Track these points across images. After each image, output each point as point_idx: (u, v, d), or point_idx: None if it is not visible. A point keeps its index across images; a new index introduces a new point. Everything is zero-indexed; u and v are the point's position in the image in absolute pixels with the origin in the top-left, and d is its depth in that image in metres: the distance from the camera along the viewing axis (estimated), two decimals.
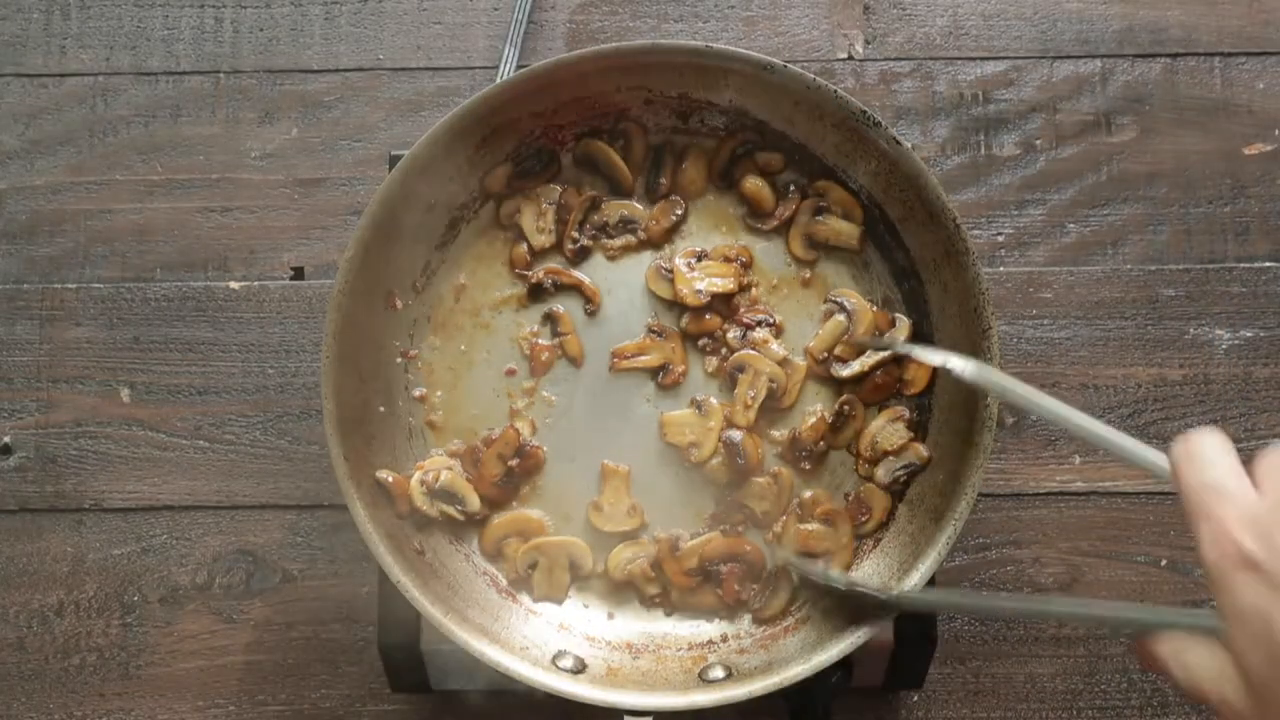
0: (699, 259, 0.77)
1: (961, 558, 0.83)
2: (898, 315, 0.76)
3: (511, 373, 0.77)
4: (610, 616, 0.76)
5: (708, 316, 0.77)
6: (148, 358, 0.85)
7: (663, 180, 0.78)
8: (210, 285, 0.86)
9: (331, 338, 0.71)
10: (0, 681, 0.82)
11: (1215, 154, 0.88)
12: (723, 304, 0.77)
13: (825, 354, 0.76)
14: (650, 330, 0.77)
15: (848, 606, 0.70)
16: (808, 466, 0.76)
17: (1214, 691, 0.46)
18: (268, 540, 0.84)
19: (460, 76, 0.89)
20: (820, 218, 0.77)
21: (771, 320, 0.77)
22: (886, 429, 0.75)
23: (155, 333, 0.86)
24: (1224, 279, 0.86)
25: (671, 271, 0.76)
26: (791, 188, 0.78)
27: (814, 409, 0.76)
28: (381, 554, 0.70)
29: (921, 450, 0.74)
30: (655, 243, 0.78)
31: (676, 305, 0.77)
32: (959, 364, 0.65)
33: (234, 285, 0.86)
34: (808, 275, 0.78)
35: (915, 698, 0.82)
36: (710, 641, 0.75)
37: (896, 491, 0.75)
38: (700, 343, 0.77)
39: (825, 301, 0.77)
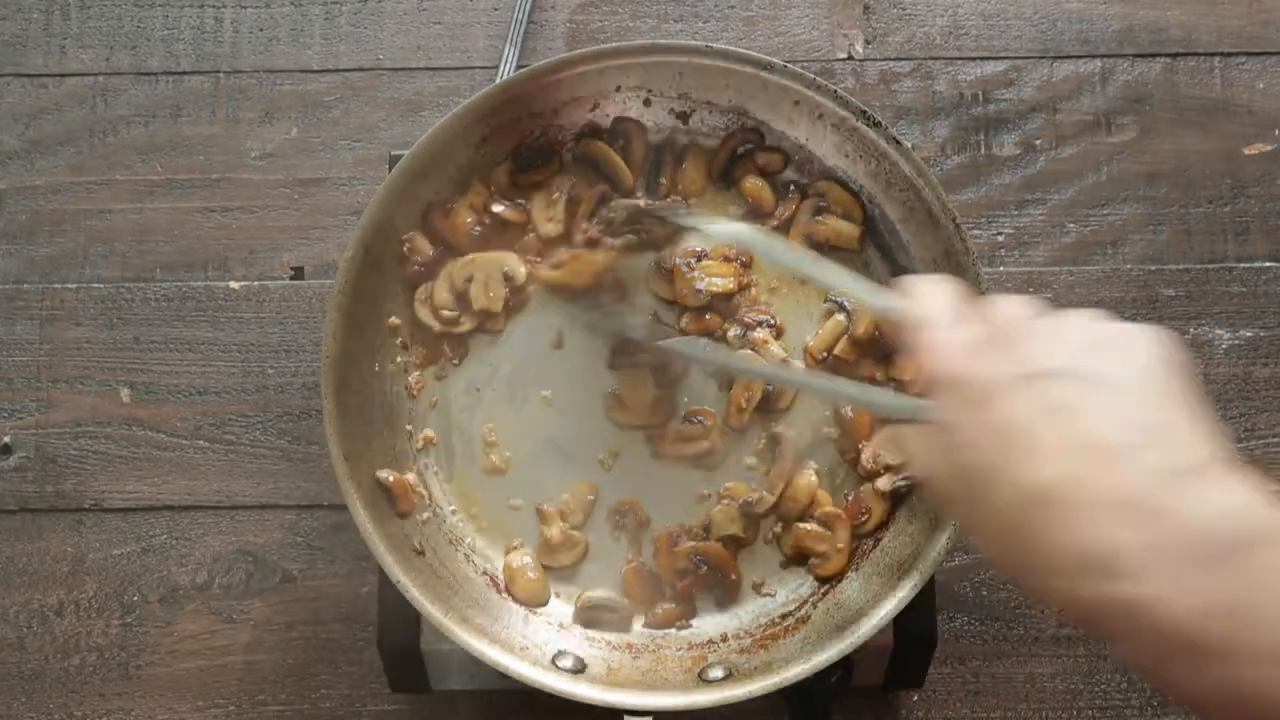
0: (699, 259, 0.77)
1: (961, 558, 0.83)
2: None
3: None
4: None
5: (707, 316, 0.77)
6: (148, 358, 0.85)
7: (663, 180, 0.78)
8: (210, 285, 0.86)
9: (331, 338, 0.71)
10: (0, 681, 0.82)
11: (1215, 154, 0.88)
12: (723, 304, 0.77)
13: (825, 354, 0.76)
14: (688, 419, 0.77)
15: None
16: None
17: (930, 477, 0.51)
18: (268, 540, 0.84)
19: (460, 76, 0.89)
20: (820, 218, 0.77)
21: (772, 321, 0.77)
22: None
23: (155, 333, 0.86)
24: (1224, 279, 0.86)
25: (671, 271, 0.76)
26: (791, 188, 0.78)
27: (810, 467, 0.76)
28: (381, 554, 0.70)
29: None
30: (657, 243, 0.77)
31: (676, 305, 0.77)
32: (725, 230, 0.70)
33: (234, 285, 0.86)
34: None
35: (915, 698, 0.82)
36: (710, 641, 0.75)
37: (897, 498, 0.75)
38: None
39: (825, 301, 0.77)
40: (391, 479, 0.74)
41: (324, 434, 0.71)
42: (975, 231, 0.87)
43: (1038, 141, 0.88)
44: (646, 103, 0.76)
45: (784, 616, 0.75)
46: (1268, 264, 0.86)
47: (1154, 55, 0.89)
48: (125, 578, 0.83)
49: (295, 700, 0.82)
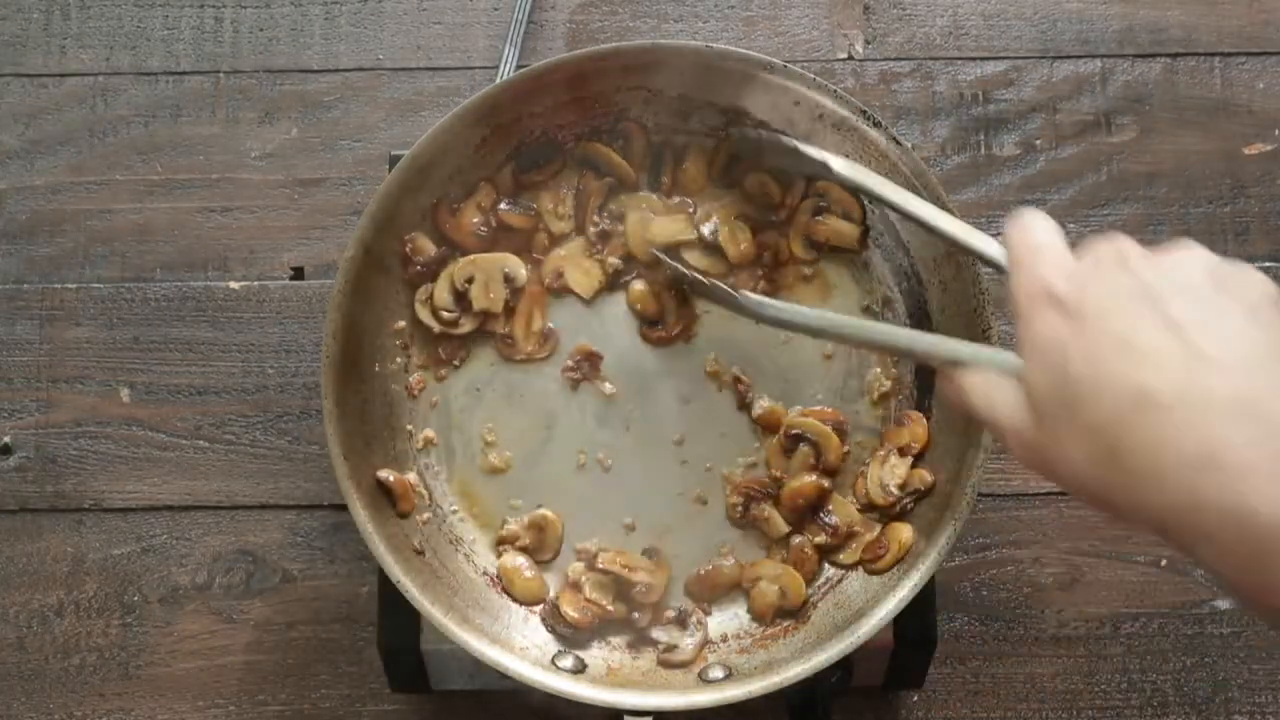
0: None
1: (961, 558, 0.83)
2: None
3: None
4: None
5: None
6: (148, 358, 0.85)
7: (664, 179, 0.78)
8: (210, 285, 0.86)
9: (331, 338, 0.71)
10: (0, 681, 0.82)
11: (1215, 154, 0.88)
12: None
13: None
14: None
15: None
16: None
17: (1006, 418, 0.51)
18: (268, 540, 0.84)
19: (460, 76, 0.89)
20: (820, 218, 0.77)
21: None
22: (886, 471, 0.74)
23: (155, 333, 0.86)
24: None
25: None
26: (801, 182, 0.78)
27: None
28: (381, 554, 0.70)
29: (926, 476, 0.74)
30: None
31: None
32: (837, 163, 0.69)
33: (234, 285, 0.86)
34: (808, 273, 0.78)
35: (915, 698, 0.82)
36: (710, 641, 0.75)
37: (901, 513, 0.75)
38: None
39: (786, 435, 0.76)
40: (392, 479, 0.74)
41: (324, 434, 0.71)
42: None
43: (1038, 141, 0.88)
44: (646, 103, 0.76)
45: (785, 617, 0.75)
46: (1268, 264, 0.86)
47: (1154, 55, 0.89)
48: (125, 578, 0.83)
49: (295, 700, 0.82)
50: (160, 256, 0.87)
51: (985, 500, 0.83)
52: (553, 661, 0.72)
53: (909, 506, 0.74)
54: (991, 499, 0.83)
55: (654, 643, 0.74)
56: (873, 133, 0.73)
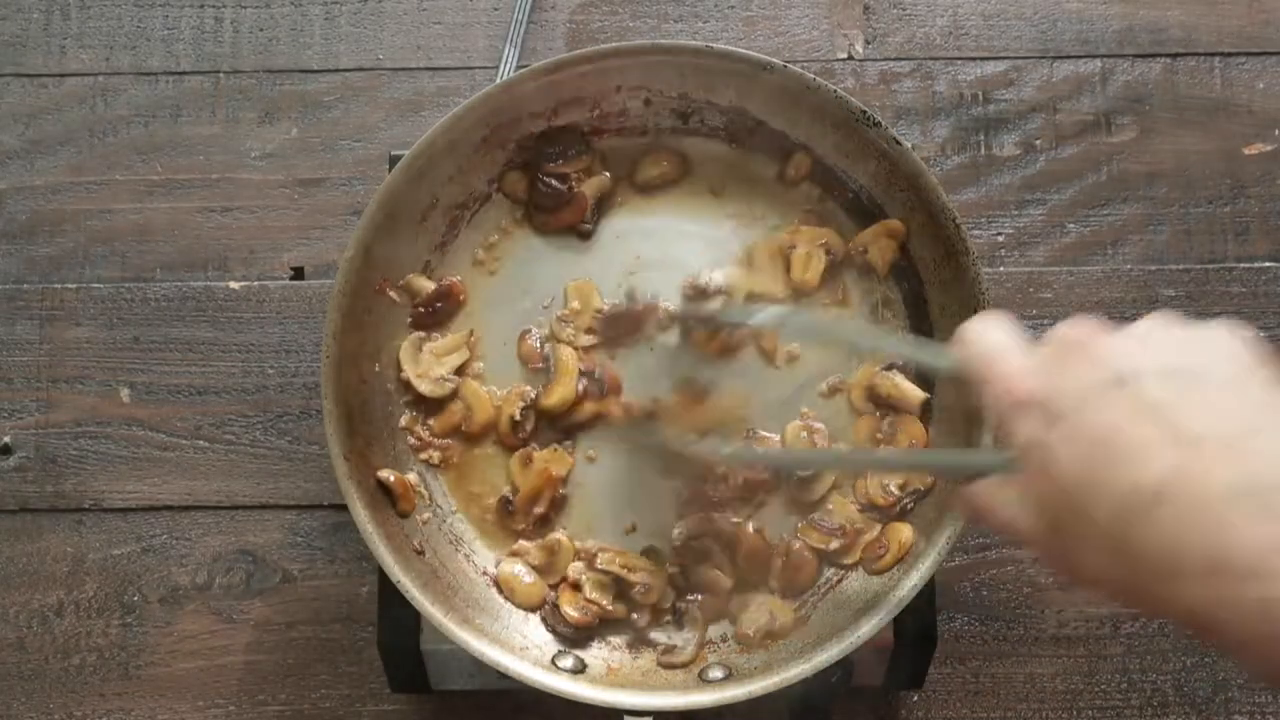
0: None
1: (961, 558, 0.83)
2: None
3: None
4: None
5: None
6: (148, 358, 0.85)
7: None
8: (210, 285, 0.86)
9: (331, 338, 0.71)
10: (0, 681, 0.82)
11: (1215, 154, 0.88)
12: None
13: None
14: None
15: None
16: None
17: (1016, 523, 0.49)
18: (268, 540, 0.84)
19: (460, 76, 0.89)
20: (890, 372, 0.76)
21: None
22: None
23: (155, 333, 0.86)
24: (1224, 279, 0.86)
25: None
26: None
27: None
28: (381, 554, 0.70)
29: (926, 476, 0.74)
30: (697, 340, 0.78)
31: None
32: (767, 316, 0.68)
33: (234, 285, 0.86)
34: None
35: (915, 698, 0.82)
36: (710, 641, 0.75)
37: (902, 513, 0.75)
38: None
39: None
40: (392, 478, 0.74)
41: (324, 434, 0.71)
42: (975, 231, 0.87)
43: (1038, 141, 0.88)
44: (647, 102, 0.76)
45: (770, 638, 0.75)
46: (1268, 264, 0.86)
47: (1154, 55, 0.89)
48: (125, 578, 0.83)
49: (295, 700, 0.82)
50: (160, 256, 0.87)
51: None
52: (553, 661, 0.72)
53: (909, 506, 0.74)
54: None
55: (653, 643, 0.74)
56: (872, 133, 0.73)
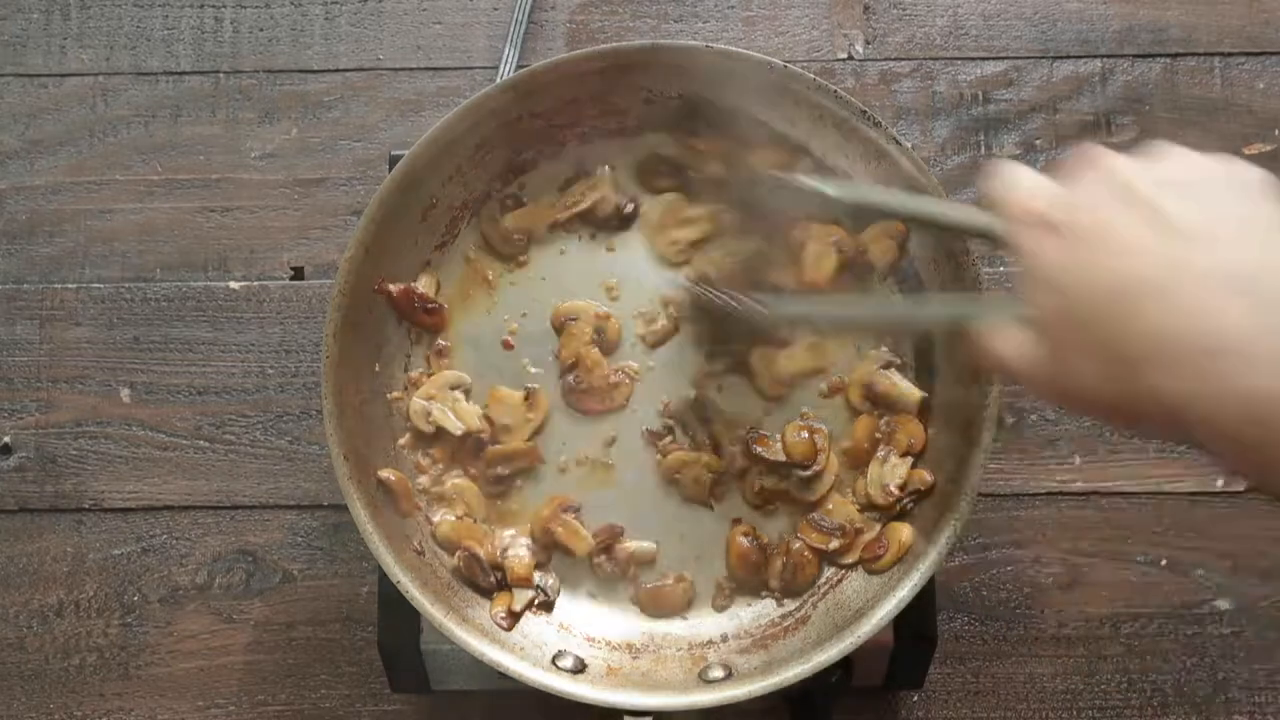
0: None
1: (961, 558, 0.83)
2: None
3: None
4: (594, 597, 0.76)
5: None
6: (148, 358, 0.85)
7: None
8: (210, 285, 0.86)
9: (331, 338, 0.71)
10: (0, 681, 0.82)
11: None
12: None
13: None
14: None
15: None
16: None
17: (1017, 359, 0.51)
18: (268, 540, 0.84)
19: (460, 76, 0.89)
20: (887, 372, 0.76)
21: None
22: (886, 470, 0.74)
23: (155, 333, 0.86)
24: None
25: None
26: None
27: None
28: (381, 554, 0.70)
29: (926, 476, 0.74)
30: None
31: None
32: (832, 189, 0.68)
33: (234, 285, 0.86)
34: None
35: (915, 698, 0.82)
36: (710, 641, 0.75)
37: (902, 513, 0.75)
38: None
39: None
40: (393, 478, 0.74)
41: (324, 434, 0.71)
42: None
43: (1038, 141, 0.88)
44: (647, 102, 0.76)
45: (784, 616, 0.75)
46: None
47: (1154, 55, 0.89)
48: (125, 578, 0.83)
49: (295, 700, 0.82)
50: (160, 256, 0.87)
51: (985, 500, 0.83)
52: (553, 661, 0.72)
53: (909, 506, 0.74)
54: (991, 499, 0.83)
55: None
56: (872, 133, 0.73)
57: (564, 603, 0.76)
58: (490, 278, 0.77)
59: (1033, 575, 0.83)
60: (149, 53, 0.89)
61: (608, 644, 0.75)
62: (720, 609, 0.76)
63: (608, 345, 0.76)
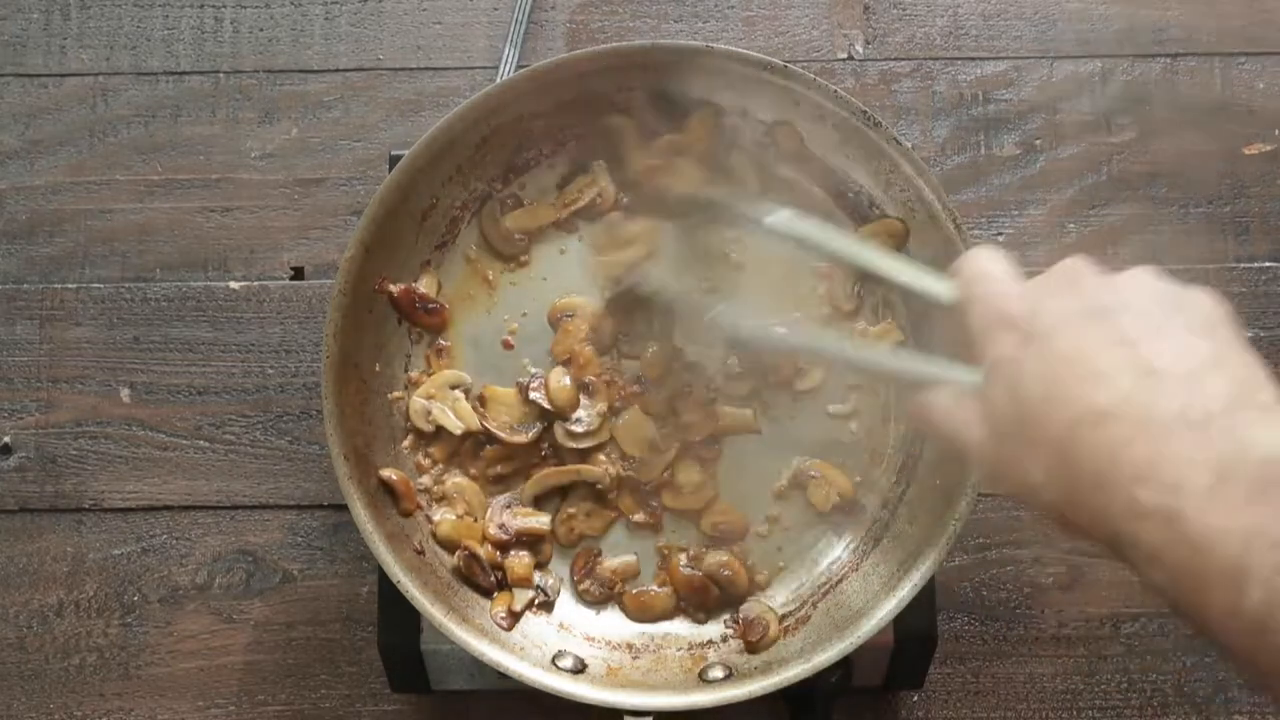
0: None
1: (961, 558, 0.83)
2: None
3: None
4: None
5: None
6: (148, 358, 0.85)
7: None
8: (210, 285, 0.86)
9: (331, 338, 0.71)
10: (0, 681, 0.82)
11: (1215, 154, 0.88)
12: None
13: None
14: None
15: None
16: None
17: (967, 436, 0.51)
18: (268, 540, 0.84)
19: (460, 76, 0.89)
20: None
21: None
22: None
23: (155, 333, 0.86)
24: (1224, 279, 0.86)
25: None
26: None
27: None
28: (381, 554, 0.70)
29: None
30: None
31: None
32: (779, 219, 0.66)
33: (234, 285, 0.86)
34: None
35: (915, 698, 0.82)
36: (710, 641, 0.75)
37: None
38: None
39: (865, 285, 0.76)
40: (395, 477, 0.74)
41: (324, 434, 0.71)
42: (975, 231, 0.87)
43: (1038, 141, 0.88)
44: (647, 102, 0.76)
45: (784, 617, 0.75)
46: (1268, 264, 0.86)
47: (1154, 55, 0.89)
48: (125, 578, 0.83)
49: (295, 700, 0.82)
50: (160, 256, 0.87)
51: (985, 500, 0.83)
52: (553, 661, 0.72)
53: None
54: (991, 499, 0.83)
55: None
56: (872, 133, 0.73)
57: (564, 603, 0.76)
58: (490, 277, 0.77)
59: (1033, 575, 0.83)
60: (149, 53, 0.89)
61: (608, 644, 0.75)
62: (700, 622, 0.76)
63: (602, 344, 0.76)
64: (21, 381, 0.85)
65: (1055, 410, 0.46)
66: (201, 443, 0.84)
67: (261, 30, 0.89)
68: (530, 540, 0.75)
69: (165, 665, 0.82)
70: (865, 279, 0.77)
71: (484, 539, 0.74)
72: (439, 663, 0.75)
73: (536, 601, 0.74)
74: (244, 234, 0.87)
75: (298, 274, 0.86)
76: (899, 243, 0.75)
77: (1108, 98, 0.89)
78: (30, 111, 0.88)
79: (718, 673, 0.72)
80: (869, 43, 0.89)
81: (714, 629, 0.75)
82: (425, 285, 0.76)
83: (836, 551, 0.76)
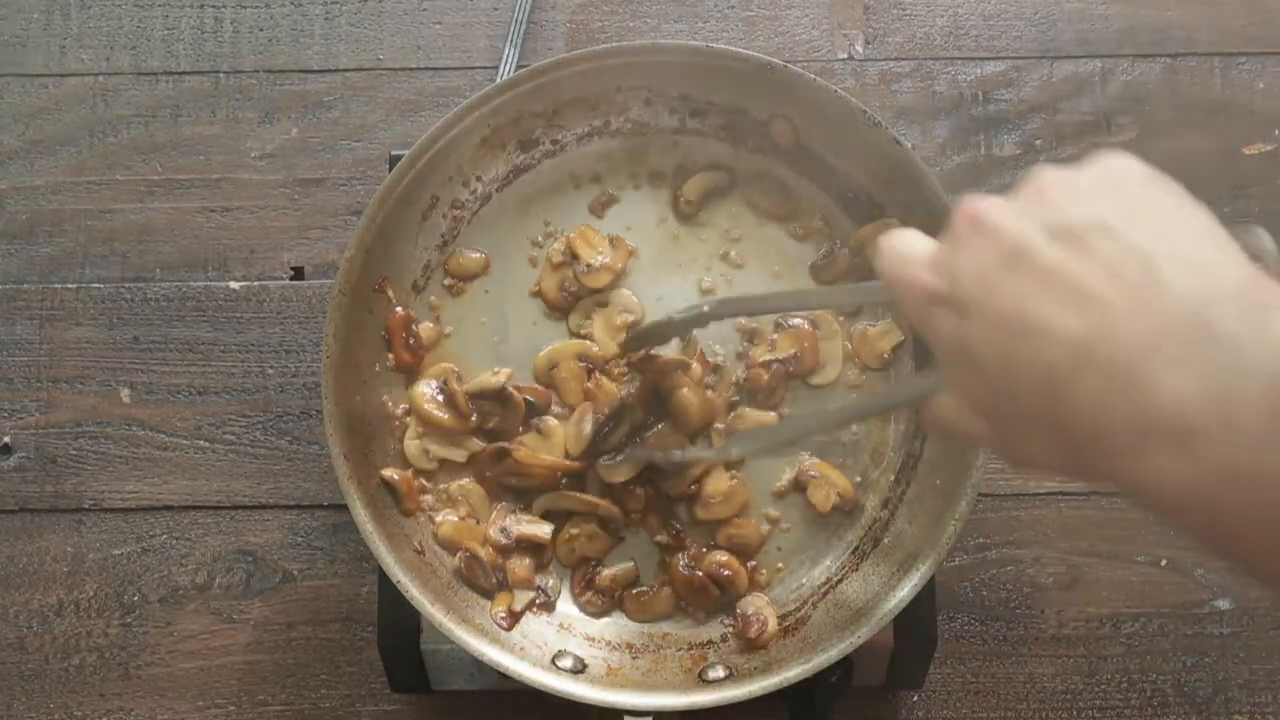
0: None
1: (961, 558, 0.83)
2: None
3: None
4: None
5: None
6: (148, 358, 0.85)
7: None
8: (210, 285, 0.86)
9: (331, 338, 0.71)
10: (0, 681, 0.82)
11: (1215, 154, 0.88)
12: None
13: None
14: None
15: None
16: None
17: (966, 428, 0.47)
18: (268, 540, 0.84)
19: (460, 76, 0.89)
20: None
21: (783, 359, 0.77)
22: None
23: (155, 333, 0.86)
24: None
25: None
26: None
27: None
28: (381, 554, 0.70)
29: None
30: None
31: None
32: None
33: (234, 285, 0.86)
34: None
35: (915, 698, 0.82)
36: (710, 641, 0.75)
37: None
38: None
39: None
40: (397, 477, 0.74)
41: (324, 434, 0.71)
42: None
43: (1038, 141, 0.88)
44: (647, 103, 0.76)
45: (784, 617, 0.75)
46: None
47: (1154, 55, 0.89)
48: (125, 578, 0.83)
49: (295, 700, 0.82)
50: (160, 256, 0.87)
51: (985, 500, 0.83)
52: (553, 661, 0.72)
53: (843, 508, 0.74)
54: (991, 499, 0.83)
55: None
56: (873, 133, 0.73)
57: (564, 603, 0.76)
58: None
59: (1033, 575, 0.83)
60: (149, 53, 0.89)
61: (608, 644, 0.75)
62: (700, 622, 0.76)
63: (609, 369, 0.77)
64: (21, 381, 0.85)
65: (1020, 377, 0.42)
66: (201, 443, 0.84)
67: (261, 30, 0.89)
68: (531, 547, 0.75)
69: (165, 665, 0.82)
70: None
71: (485, 542, 0.74)
72: (439, 663, 0.75)
73: (537, 602, 0.74)
74: (244, 234, 0.87)
75: (298, 274, 0.86)
76: None
77: (1108, 98, 0.89)
78: (30, 111, 0.88)
79: (718, 673, 0.72)
80: (869, 43, 0.89)
81: (714, 629, 0.75)
82: (426, 334, 0.76)
83: (836, 551, 0.76)
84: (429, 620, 0.69)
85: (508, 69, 0.84)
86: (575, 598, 0.75)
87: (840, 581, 0.75)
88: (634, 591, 0.75)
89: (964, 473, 0.71)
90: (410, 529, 0.74)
